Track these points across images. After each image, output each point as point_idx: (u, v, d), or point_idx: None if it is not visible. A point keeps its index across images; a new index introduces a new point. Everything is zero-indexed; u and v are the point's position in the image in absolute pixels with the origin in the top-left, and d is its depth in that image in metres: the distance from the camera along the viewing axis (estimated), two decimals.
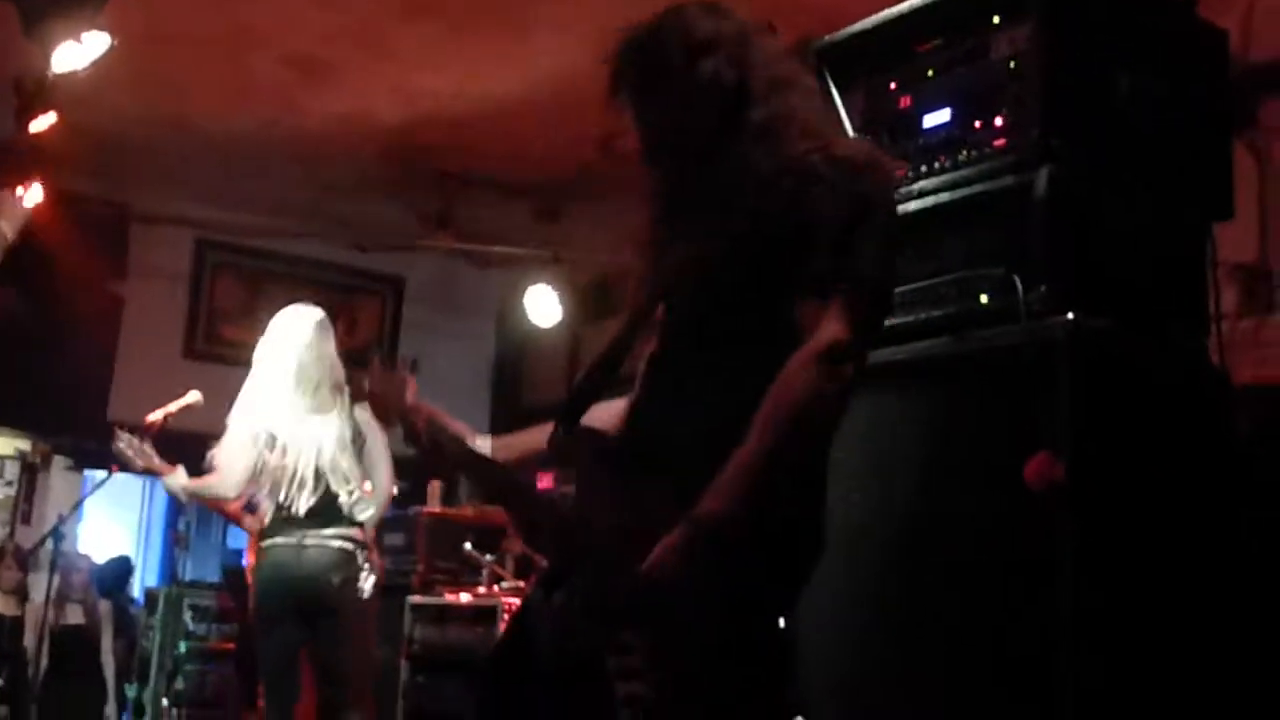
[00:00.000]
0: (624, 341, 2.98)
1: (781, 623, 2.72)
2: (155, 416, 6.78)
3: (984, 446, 3.40)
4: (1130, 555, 3.27)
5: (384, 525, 7.33)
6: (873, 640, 3.60)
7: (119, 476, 7.86)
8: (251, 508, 7.21)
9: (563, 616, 2.76)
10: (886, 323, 2.89)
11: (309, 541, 6.29)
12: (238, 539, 14.01)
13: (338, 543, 6.36)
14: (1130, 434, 3.35)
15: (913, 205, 3.57)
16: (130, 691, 10.45)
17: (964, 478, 3.43)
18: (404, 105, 8.99)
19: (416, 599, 8.39)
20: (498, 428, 3.36)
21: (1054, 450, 3.15)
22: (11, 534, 10.38)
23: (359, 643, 6.62)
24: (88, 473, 10.88)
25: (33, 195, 7.80)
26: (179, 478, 6.50)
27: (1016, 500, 3.18)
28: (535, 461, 3.20)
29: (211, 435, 6.54)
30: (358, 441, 6.51)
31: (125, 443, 6.63)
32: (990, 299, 3.47)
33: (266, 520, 6.39)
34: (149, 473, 6.62)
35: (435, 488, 9.54)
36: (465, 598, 8.10)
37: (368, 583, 6.67)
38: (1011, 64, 3.54)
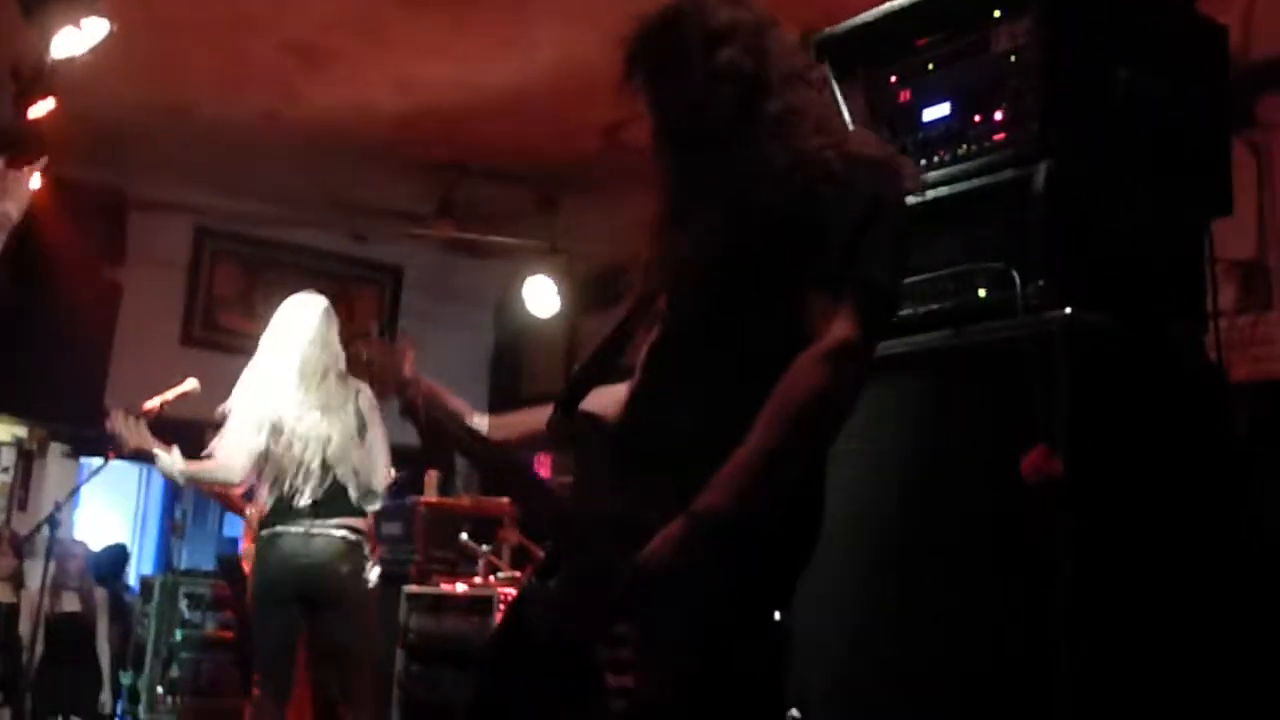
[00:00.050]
0: (627, 328, 2.98)
1: (777, 616, 2.71)
2: (152, 404, 6.77)
3: (981, 440, 3.40)
4: (1127, 550, 3.27)
5: (381, 515, 7.34)
6: (868, 633, 3.60)
7: (115, 464, 7.85)
8: (248, 496, 7.22)
9: (557, 602, 2.76)
10: None
11: (316, 531, 6.30)
12: (234, 527, 14.00)
13: (344, 533, 6.38)
14: (1127, 429, 3.35)
15: (911, 198, 3.57)
16: (125, 679, 10.46)
17: (961, 471, 3.43)
18: (403, 94, 8.98)
19: (413, 588, 8.39)
20: None
21: (1051, 444, 3.15)
22: (7, 521, 10.38)
23: (365, 631, 6.65)
24: (84, 460, 10.88)
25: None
26: (175, 459, 6.48)
27: (1013, 494, 3.18)
28: (532, 443, 3.20)
29: (208, 423, 6.54)
30: (362, 432, 6.52)
31: (119, 420, 6.61)
32: (988, 293, 3.47)
33: (267, 508, 6.38)
34: (141, 452, 6.58)
35: (432, 477, 9.55)
36: (461, 588, 8.09)
37: (373, 572, 6.69)
38: (1012, 58, 3.54)
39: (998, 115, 3.55)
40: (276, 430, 6.30)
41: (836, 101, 3.60)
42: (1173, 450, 3.47)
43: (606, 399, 2.96)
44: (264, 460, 6.34)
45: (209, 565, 11.51)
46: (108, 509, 14.28)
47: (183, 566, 11.17)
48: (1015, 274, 3.37)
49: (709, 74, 2.79)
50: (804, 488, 2.71)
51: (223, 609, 10.24)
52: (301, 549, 6.28)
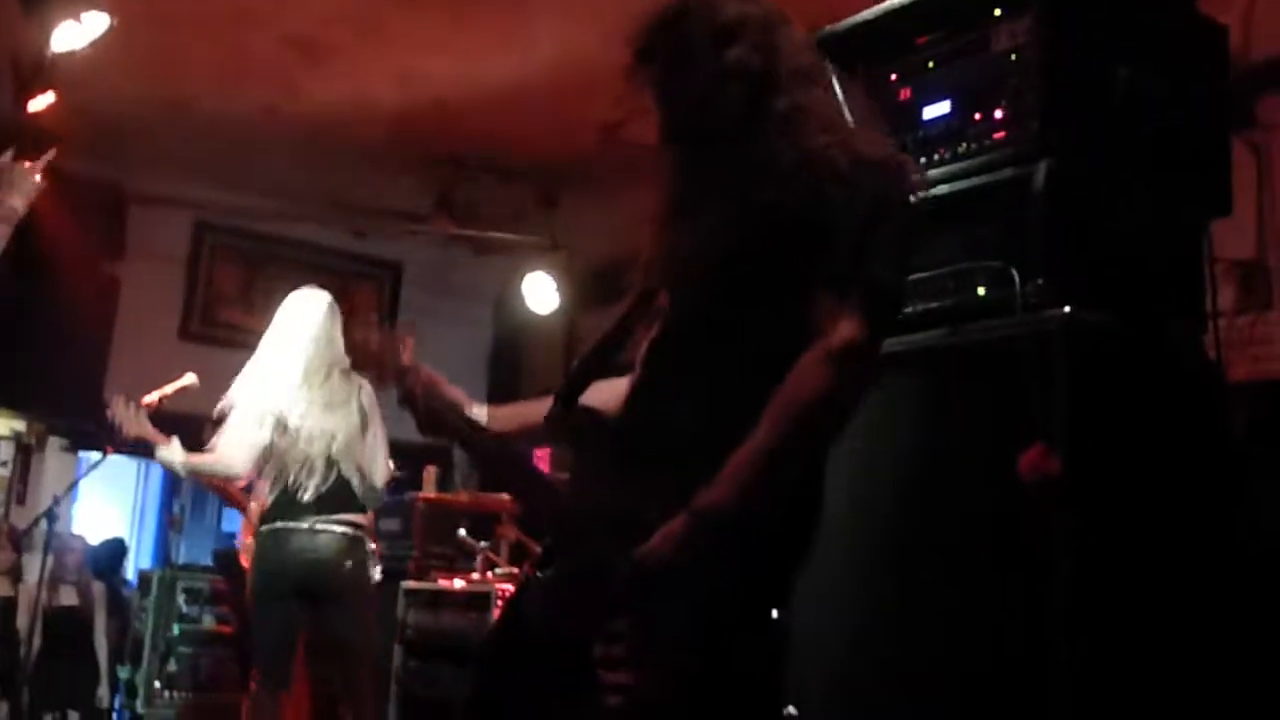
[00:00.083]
0: (628, 322, 2.97)
1: (775, 614, 2.71)
2: (151, 398, 6.76)
3: (979, 439, 3.40)
4: (1125, 550, 3.27)
5: (379, 511, 7.33)
6: (866, 631, 3.60)
7: (114, 458, 7.86)
8: (247, 490, 7.22)
9: (554, 598, 2.76)
10: None
11: (320, 526, 6.30)
12: (232, 522, 14.00)
13: (347, 529, 6.38)
14: (1125, 428, 3.35)
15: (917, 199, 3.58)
16: (123, 673, 10.45)
17: (959, 469, 3.44)
18: (403, 89, 8.98)
19: (411, 584, 8.39)
20: None
21: (1049, 443, 3.15)
22: (6, 515, 10.38)
23: (367, 626, 6.66)
24: (83, 454, 10.87)
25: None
26: (175, 450, 6.47)
27: (1011, 493, 3.18)
28: (530, 435, 3.19)
29: (207, 418, 6.54)
30: (365, 428, 6.53)
31: (119, 407, 6.61)
32: (987, 291, 3.47)
33: (269, 503, 6.38)
34: (141, 441, 6.57)
35: (431, 473, 9.55)
36: (459, 584, 8.09)
37: (376, 568, 6.70)
38: (1012, 57, 3.54)
39: (998, 114, 3.55)
40: (281, 425, 6.30)
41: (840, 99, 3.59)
42: (1171, 450, 3.47)
43: (606, 393, 2.95)
44: (268, 455, 6.34)
45: (207, 560, 11.50)
46: (106, 503, 14.27)
47: (181, 561, 11.16)
48: (1014, 272, 3.37)
49: (717, 70, 2.78)
50: (804, 487, 2.71)
51: (220, 604, 10.24)
52: (306, 544, 6.29)
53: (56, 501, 8.46)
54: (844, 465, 2.81)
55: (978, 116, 3.61)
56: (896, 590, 3.54)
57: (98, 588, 10.84)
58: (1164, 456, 3.44)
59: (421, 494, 9.23)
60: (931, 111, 3.76)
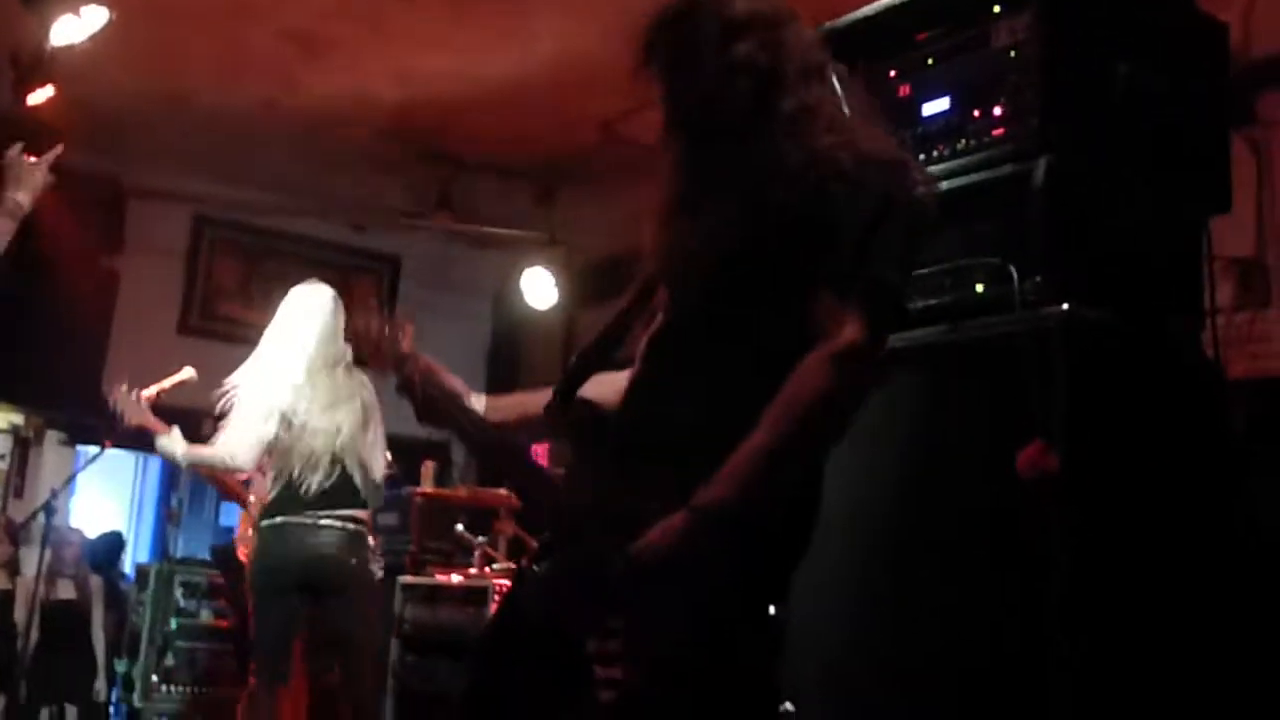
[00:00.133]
0: (629, 316, 2.97)
1: (772, 610, 2.71)
2: (149, 392, 6.75)
3: (977, 435, 3.41)
4: (1123, 546, 3.27)
5: (377, 505, 7.33)
6: (863, 627, 3.60)
7: (112, 452, 7.85)
8: (246, 483, 7.21)
9: (551, 592, 2.76)
10: None
11: (324, 522, 6.30)
12: (230, 516, 13.97)
13: (349, 524, 6.38)
14: (1124, 425, 3.35)
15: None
16: (120, 667, 10.43)
17: (957, 466, 3.44)
18: (403, 85, 8.98)
19: (408, 579, 8.38)
20: None
21: (1047, 440, 3.15)
22: (3, 508, 10.38)
23: (369, 621, 6.66)
24: (80, 448, 10.87)
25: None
26: (176, 440, 6.47)
27: (1009, 489, 3.18)
28: (528, 427, 3.18)
29: (205, 412, 6.54)
30: (367, 424, 6.53)
31: (121, 395, 6.60)
32: (986, 288, 3.47)
33: (271, 498, 6.37)
34: (142, 430, 6.57)
35: (429, 468, 9.54)
36: (457, 579, 8.09)
37: (379, 565, 6.70)
38: (1011, 53, 3.54)
39: (997, 110, 3.55)
40: (287, 420, 6.29)
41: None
42: (1169, 447, 3.47)
43: (605, 388, 2.95)
44: (272, 449, 6.34)
45: (205, 554, 11.48)
46: (104, 497, 14.27)
47: (178, 555, 11.10)
48: (1013, 269, 3.37)
49: (725, 66, 2.77)
50: (804, 487, 2.71)
51: (218, 598, 10.24)
52: (309, 539, 6.28)
53: (54, 495, 8.44)
54: (843, 461, 2.81)
55: (977, 113, 3.61)
56: (894, 586, 3.54)
57: (95, 581, 10.83)
58: (1162, 453, 3.44)
59: (419, 489, 9.22)
60: (931, 108, 3.76)
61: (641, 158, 2.98)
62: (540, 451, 7.14)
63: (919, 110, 3.78)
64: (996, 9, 3.60)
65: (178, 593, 10.16)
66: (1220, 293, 3.90)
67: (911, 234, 2.74)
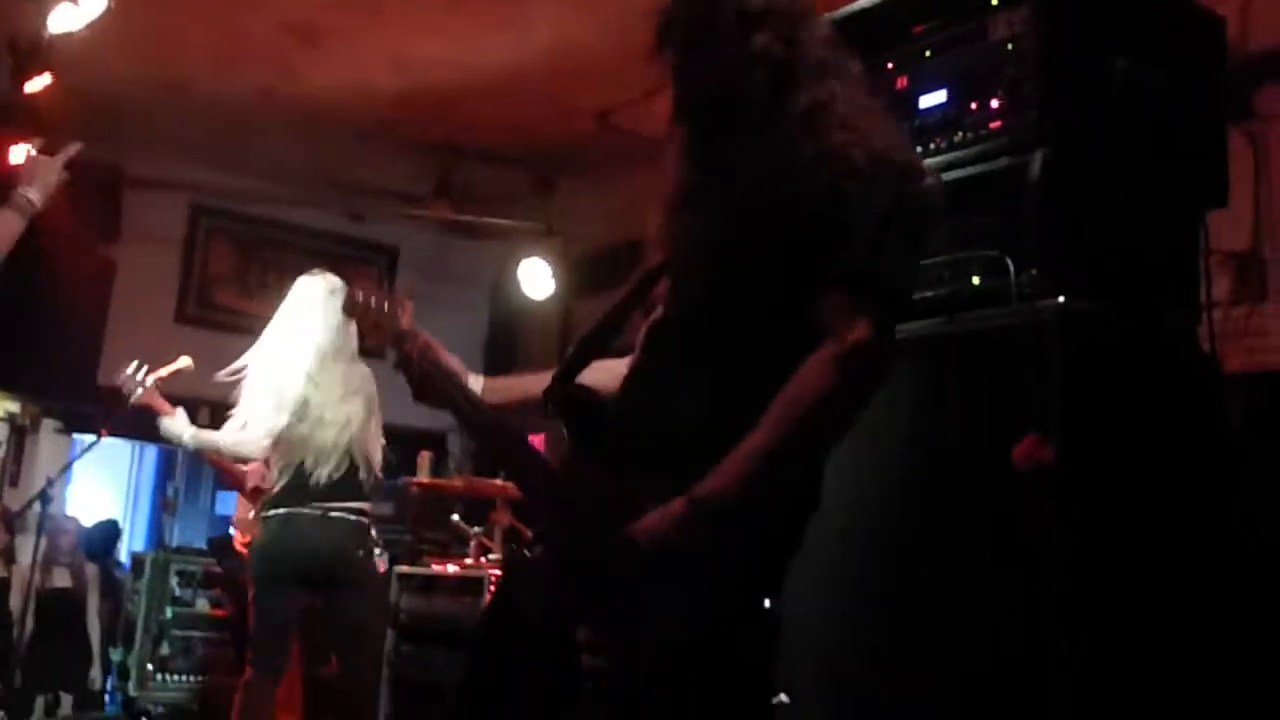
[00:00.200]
0: (630, 304, 2.96)
1: (767, 603, 2.71)
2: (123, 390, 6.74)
3: (973, 428, 3.41)
4: (1119, 540, 3.27)
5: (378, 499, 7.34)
6: (859, 619, 3.60)
7: (108, 441, 7.85)
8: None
9: (543, 579, 2.76)
10: None
11: (333, 514, 6.30)
12: (226, 505, 13.99)
13: (356, 516, 6.39)
14: (1120, 419, 3.36)
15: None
16: (115, 655, 10.45)
17: (953, 458, 3.44)
18: (401, 74, 8.98)
19: (404, 569, 8.39)
20: None
21: (1043, 433, 3.15)
22: None
23: (376, 611, 6.68)
24: (77, 436, 10.88)
25: (25, 154, 7.79)
26: (181, 423, 6.47)
27: (1006, 482, 3.18)
28: (524, 408, 3.17)
29: (202, 400, 6.54)
30: (371, 416, 6.53)
31: (130, 373, 6.59)
32: (982, 280, 3.47)
33: (278, 488, 6.35)
34: (148, 410, 6.56)
35: (425, 458, 9.54)
36: (453, 569, 8.10)
37: (383, 558, 6.71)
38: (1009, 46, 3.54)
39: (994, 103, 3.55)
40: (302, 410, 6.28)
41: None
42: (1166, 441, 3.48)
43: (604, 375, 2.95)
44: (285, 440, 6.32)
45: (200, 542, 11.52)
46: (100, 485, 14.29)
47: (174, 543, 11.16)
48: (1009, 262, 3.37)
49: (742, 55, 2.75)
50: (803, 486, 2.72)
51: (213, 587, 10.25)
52: (317, 531, 6.28)
53: (50, 483, 8.45)
54: (838, 452, 2.81)
55: (974, 106, 3.61)
56: (889, 579, 3.54)
57: (91, 570, 10.84)
58: (1159, 447, 3.45)
59: (415, 479, 9.23)
60: (928, 100, 3.76)
61: (639, 148, 2.98)
62: (536, 441, 7.15)
63: (916, 103, 3.77)
64: (994, 2, 3.60)
65: (173, 581, 10.19)
66: (1217, 287, 3.90)
67: (919, 235, 2.74)
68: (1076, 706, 3.10)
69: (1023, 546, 3.19)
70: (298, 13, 8.20)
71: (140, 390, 6.58)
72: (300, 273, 6.70)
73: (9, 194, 4.68)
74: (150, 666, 9.90)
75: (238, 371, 6.36)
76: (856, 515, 3.51)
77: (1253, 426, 4.50)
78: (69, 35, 7.17)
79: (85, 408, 9.89)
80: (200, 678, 10.06)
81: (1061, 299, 3.27)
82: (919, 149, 3.62)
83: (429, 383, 3.12)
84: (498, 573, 7.47)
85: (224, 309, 11.29)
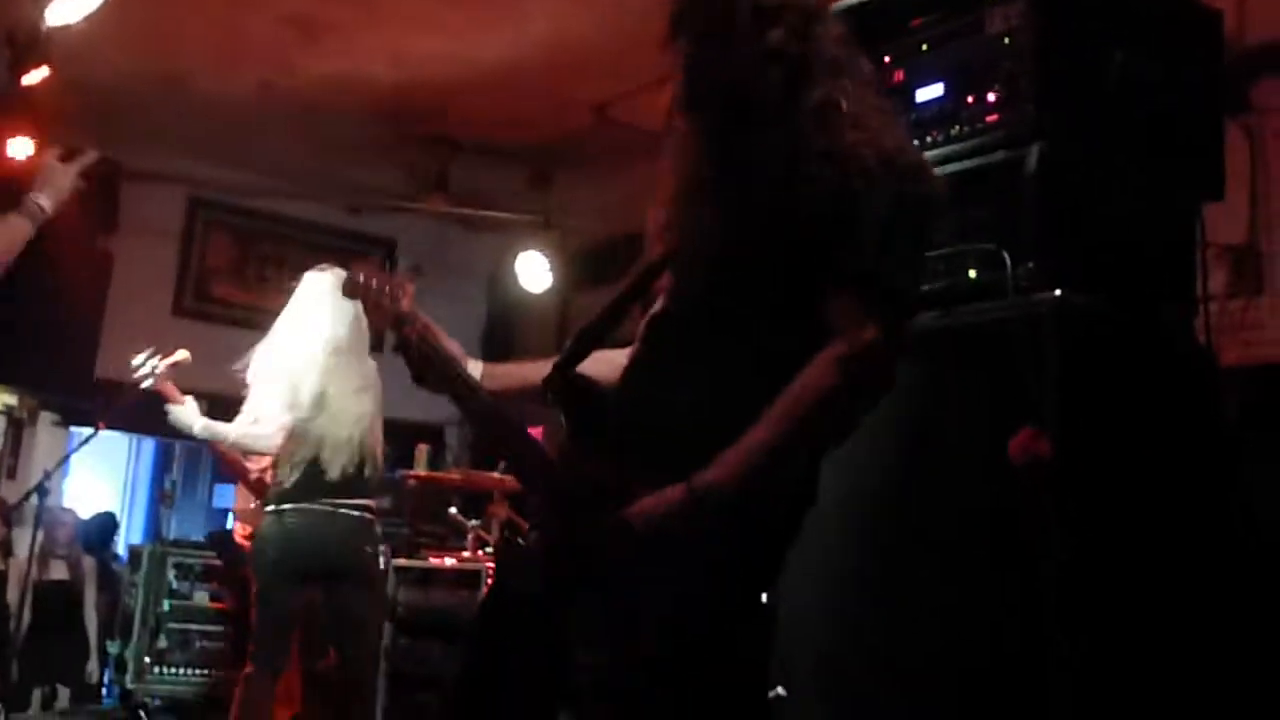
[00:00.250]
0: (631, 296, 2.96)
1: (764, 598, 2.72)
2: (133, 376, 6.74)
3: (970, 421, 3.41)
4: (1116, 533, 3.28)
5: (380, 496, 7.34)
6: (853, 614, 3.61)
7: (105, 434, 7.84)
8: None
9: (538, 569, 2.76)
10: None
11: (343, 510, 6.30)
12: (223, 498, 13.99)
13: (362, 512, 6.39)
14: (1116, 412, 3.36)
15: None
16: (113, 648, 10.44)
17: (949, 452, 3.44)
18: (399, 67, 8.97)
19: (401, 562, 8.40)
20: None
21: (1039, 426, 3.15)
22: None
23: (380, 608, 6.69)
24: (74, 429, 10.86)
25: (23, 147, 7.80)
26: (192, 412, 6.46)
27: (1002, 475, 3.19)
28: (522, 396, 3.16)
29: (199, 393, 6.53)
30: (379, 413, 6.54)
31: (144, 358, 6.58)
32: (979, 274, 3.48)
33: (288, 484, 6.33)
34: (161, 395, 6.54)
35: (422, 451, 9.55)
36: (450, 562, 8.10)
37: (385, 553, 6.72)
38: (1005, 40, 3.54)
39: (991, 97, 3.56)
40: (320, 403, 6.28)
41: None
42: (1162, 434, 3.48)
43: (604, 365, 2.95)
44: (299, 433, 6.31)
45: (198, 535, 11.50)
46: (97, 478, 14.28)
47: (171, 536, 11.15)
48: (1006, 255, 3.38)
49: (757, 50, 2.75)
50: (801, 482, 2.72)
51: (211, 580, 10.24)
52: (328, 528, 6.28)
53: (47, 476, 8.43)
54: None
55: (971, 99, 3.61)
56: (886, 573, 3.54)
57: (88, 562, 10.83)
58: (1155, 440, 3.45)
59: (413, 472, 9.23)
60: (925, 94, 3.76)
61: (636, 141, 2.98)
62: (535, 433, 7.15)
63: (913, 96, 3.78)
64: None
65: (170, 574, 10.17)
66: (1213, 280, 3.90)
67: (925, 237, 2.75)
68: (1075, 701, 3.11)
69: (1020, 540, 3.20)
70: (296, 6, 8.19)
71: (152, 378, 6.56)
72: (298, 265, 6.71)
73: (21, 199, 4.67)
74: (148, 659, 9.89)
75: (247, 367, 6.36)
76: (852, 509, 3.51)
77: (1249, 419, 4.50)
78: (67, 28, 7.16)
79: (83, 400, 9.88)
80: (197, 671, 10.05)
81: (1058, 292, 3.27)
82: (916, 143, 3.62)
83: (428, 366, 3.11)
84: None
85: (222, 302, 11.29)
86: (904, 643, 3.45)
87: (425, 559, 8.40)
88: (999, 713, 3.24)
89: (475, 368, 3.17)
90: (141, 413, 6.84)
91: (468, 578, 7.76)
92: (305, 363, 6.33)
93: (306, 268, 6.71)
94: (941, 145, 3.63)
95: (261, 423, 6.27)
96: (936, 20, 3.79)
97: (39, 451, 10.72)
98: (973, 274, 3.49)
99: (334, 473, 6.26)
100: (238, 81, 9.33)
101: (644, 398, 2.77)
